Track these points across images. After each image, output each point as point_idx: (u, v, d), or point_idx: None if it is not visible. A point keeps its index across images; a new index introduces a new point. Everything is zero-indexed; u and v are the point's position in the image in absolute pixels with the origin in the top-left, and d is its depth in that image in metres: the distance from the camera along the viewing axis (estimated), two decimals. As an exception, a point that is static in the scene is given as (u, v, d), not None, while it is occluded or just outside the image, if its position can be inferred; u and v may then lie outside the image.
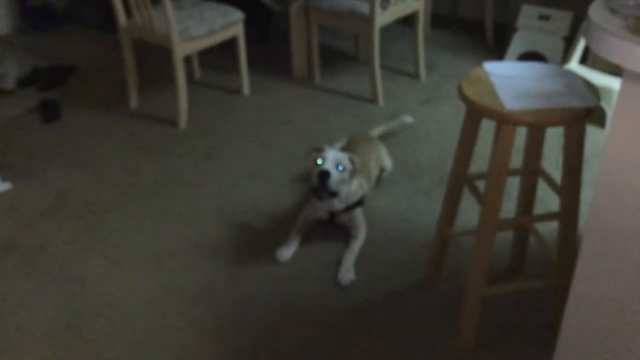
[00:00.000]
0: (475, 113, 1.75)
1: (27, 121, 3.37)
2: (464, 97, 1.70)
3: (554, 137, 2.70)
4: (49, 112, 3.38)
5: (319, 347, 1.98)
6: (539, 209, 2.24)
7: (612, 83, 2.91)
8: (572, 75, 1.75)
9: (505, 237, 2.21)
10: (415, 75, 3.67)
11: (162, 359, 1.95)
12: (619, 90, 1.32)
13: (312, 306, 2.14)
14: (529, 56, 3.62)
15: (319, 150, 2.35)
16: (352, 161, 2.35)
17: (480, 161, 2.67)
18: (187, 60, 3.50)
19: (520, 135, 1.87)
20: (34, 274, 2.31)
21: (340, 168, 2.30)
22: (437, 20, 4.32)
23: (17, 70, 3.68)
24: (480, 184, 1.86)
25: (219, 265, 2.32)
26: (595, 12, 1.27)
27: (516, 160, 2.26)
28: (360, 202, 2.44)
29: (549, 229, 2.26)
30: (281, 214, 2.59)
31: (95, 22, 4.55)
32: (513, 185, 2.18)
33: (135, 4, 3.07)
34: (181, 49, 3.08)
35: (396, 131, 3.09)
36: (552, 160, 2.76)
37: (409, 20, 3.57)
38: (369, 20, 3.18)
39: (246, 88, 3.56)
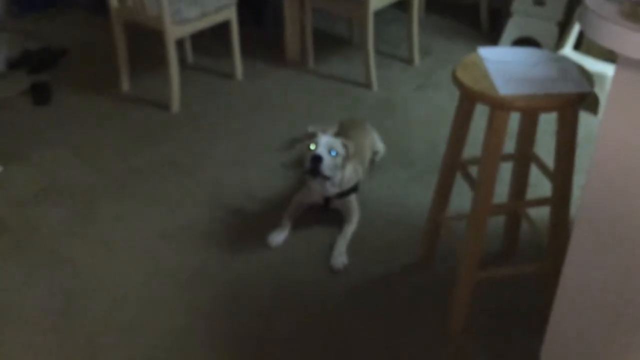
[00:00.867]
0: (469, 98, 1.75)
1: (18, 104, 3.34)
2: (458, 82, 1.69)
3: (547, 123, 2.70)
4: (40, 94, 3.35)
5: (311, 330, 1.99)
6: (531, 194, 2.25)
7: (605, 69, 2.91)
8: (566, 61, 1.74)
9: (498, 221, 2.22)
10: (409, 60, 3.66)
11: (154, 343, 1.96)
12: (613, 77, 1.32)
13: (304, 290, 2.14)
14: (523, 41, 3.62)
15: (312, 136, 2.34)
16: (345, 146, 2.35)
17: (472, 147, 2.67)
18: (180, 44, 3.47)
19: (514, 120, 1.87)
20: (25, 256, 2.31)
21: (333, 153, 2.29)
22: (432, 5, 4.29)
23: (8, 53, 3.64)
24: (473, 169, 1.86)
25: (212, 250, 2.32)
26: (590, -3, 1.27)
27: (509, 145, 2.26)
28: (354, 188, 2.44)
29: (541, 214, 2.26)
30: (274, 198, 2.59)
31: (87, 4, 4.49)
32: (506, 170, 2.18)
33: (127, -15, 3.04)
34: (173, 32, 3.04)
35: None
36: (545, 146, 2.76)
37: (403, 4, 3.55)
38: (363, 3, 3.16)
39: (239, 72, 3.54)
